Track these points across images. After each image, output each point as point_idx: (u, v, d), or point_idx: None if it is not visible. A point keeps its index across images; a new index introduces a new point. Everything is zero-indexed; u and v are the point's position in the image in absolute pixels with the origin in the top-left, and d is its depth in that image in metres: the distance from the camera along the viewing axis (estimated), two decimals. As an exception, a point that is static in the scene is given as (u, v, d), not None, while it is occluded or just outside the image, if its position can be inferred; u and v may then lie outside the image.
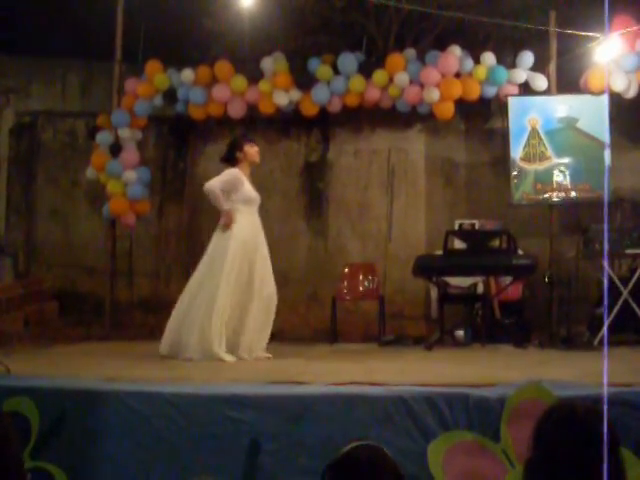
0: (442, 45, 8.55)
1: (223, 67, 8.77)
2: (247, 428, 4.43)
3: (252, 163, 6.90)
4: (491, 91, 8.50)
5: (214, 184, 6.73)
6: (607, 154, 8.03)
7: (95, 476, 4.57)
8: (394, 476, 2.40)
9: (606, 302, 7.17)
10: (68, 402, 4.68)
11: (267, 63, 8.75)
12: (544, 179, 8.28)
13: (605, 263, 7.38)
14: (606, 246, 7.51)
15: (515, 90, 8.49)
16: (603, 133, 8.10)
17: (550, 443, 2.39)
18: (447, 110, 8.50)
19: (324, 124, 9.23)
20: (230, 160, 6.85)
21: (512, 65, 8.49)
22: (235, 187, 6.72)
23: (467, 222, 8.75)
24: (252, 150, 6.86)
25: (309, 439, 4.36)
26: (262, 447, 4.40)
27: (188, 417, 4.55)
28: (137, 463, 4.54)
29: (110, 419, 4.61)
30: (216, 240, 6.72)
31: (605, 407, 2.37)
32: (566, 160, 8.28)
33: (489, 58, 8.44)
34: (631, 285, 7.42)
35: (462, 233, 8.38)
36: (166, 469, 4.50)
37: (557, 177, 8.25)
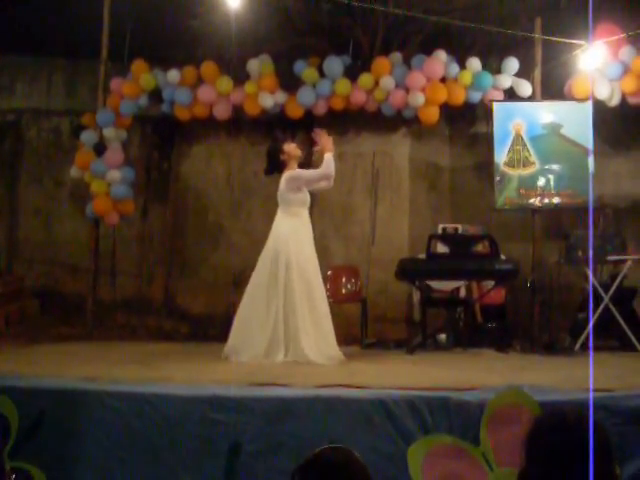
0: (428, 50, 8.57)
1: (209, 68, 8.76)
2: (228, 429, 4.43)
3: (297, 159, 6.81)
4: (476, 96, 8.54)
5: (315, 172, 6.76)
6: (591, 161, 8.08)
7: (74, 476, 4.55)
8: (363, 479, 2.41)
9: (591, 308, 7.21)
10: (48, 402, 4.67)
11: (253, 65, 8.74)
12: (528, 184, 8.32)
13: (590, 269, 7.43)
14: (591, 253, 7.55)
15: (500, 95, 8.52)
16: (587, 140, 8.15)
17: (542, 454, 2.38)
18: (432, 114, 8.53)
19: (309, 127, 9.21)
20: (277, 167, 6.79)
21: (497, 71, 8.53)
22: (300, 188, 6.70)
23: (450, 226, 8.77)
24: (291, 147, 6.80)
25: (290, 441, 4.36)
26: (243, 448, 4.40)
27: (169, 418, 4.54)
28: (117, 463, 4.53)
29: (90, 419, 4.60)
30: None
31: (591, 413, 2.37)
32: (550, 166, 8.32)
33: (474, 63, 8.47)
34: (612, 291, 7.47)
35: (445, 237, 8.39)
36: (146, 470, 4.49)
37: (540, 182, 8.29)
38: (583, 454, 2.32)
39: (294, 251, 6.50)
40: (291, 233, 6.57)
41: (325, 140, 6.75)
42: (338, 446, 2.49)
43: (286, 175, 6.69)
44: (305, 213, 6.73)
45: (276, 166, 6.80)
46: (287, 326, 6.38)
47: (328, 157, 6.70)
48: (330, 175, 6.76)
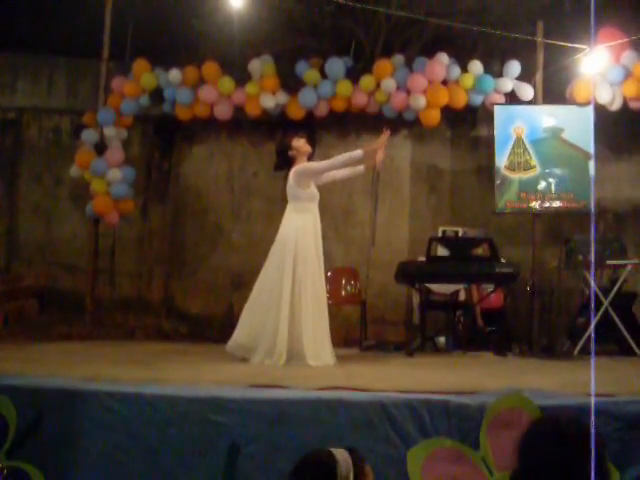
0: (430, 52, 8.58)
1: (210, 68, 8.76)
2: (227, 431, 4.41)
3: (306, 154, 6.73)
4: (477, 99, 8.54)
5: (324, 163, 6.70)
6: (591, 165, 8.07)
7: (72, 476, 4.53)
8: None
9: (592, 313, 7.20)
10: (46, 401, 4.65)
11: (255, 65, 8.74)
12: (528, 188, 8.32)
13: (592, 274, 7.44)
14: (593, 257, 7.56)
15: (501, 99, 8.52)
16: (588, 144, 8.15)
17: (534, 457, 2.38)
18: (433, 117, 8.53)
19: (310, 128, 9.21)
20: (286, 163, 6.72)
21: (499, 74, 8.53)
22: (309, 182, 6.63)
23: (450, 229, 8.77)
24: (300, 142, 6.72)
25: (289, 443, 4.34)
26: (242, 450, 4.38)
27: (168, 419, 4.52)
28: (115, 464, 4.51)
29: (89, 419, 4.57)
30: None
31: (592, 419, 2.37)
32: (550, 170, 8.32)
33: (476, 66, 8.47)
34: (612, 296, 7.46)
35: (445, 240, 8.40)
36: (145, 471, 4.47)
37: (541, 186, 8.29)
38: (576, 460, 2.31)
39: (302, 248, 6.45)
40: (299, 230, 6.49)
41: (380, 142, 6.76)
42: (324, 449, 2.46)
43: (294, 170, 6.61)
44: (314, 208, 6.65)
45: (285, 162, 6.74)
46: (292, 325, 6.33)
47: (356, 153, 6.63)
48: (337, 166, 6.68)
